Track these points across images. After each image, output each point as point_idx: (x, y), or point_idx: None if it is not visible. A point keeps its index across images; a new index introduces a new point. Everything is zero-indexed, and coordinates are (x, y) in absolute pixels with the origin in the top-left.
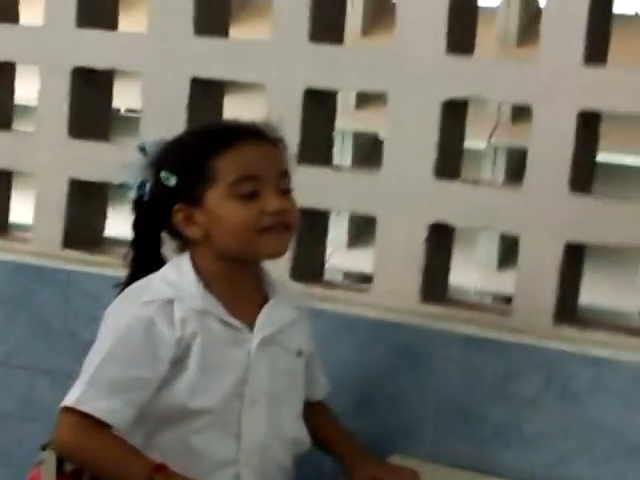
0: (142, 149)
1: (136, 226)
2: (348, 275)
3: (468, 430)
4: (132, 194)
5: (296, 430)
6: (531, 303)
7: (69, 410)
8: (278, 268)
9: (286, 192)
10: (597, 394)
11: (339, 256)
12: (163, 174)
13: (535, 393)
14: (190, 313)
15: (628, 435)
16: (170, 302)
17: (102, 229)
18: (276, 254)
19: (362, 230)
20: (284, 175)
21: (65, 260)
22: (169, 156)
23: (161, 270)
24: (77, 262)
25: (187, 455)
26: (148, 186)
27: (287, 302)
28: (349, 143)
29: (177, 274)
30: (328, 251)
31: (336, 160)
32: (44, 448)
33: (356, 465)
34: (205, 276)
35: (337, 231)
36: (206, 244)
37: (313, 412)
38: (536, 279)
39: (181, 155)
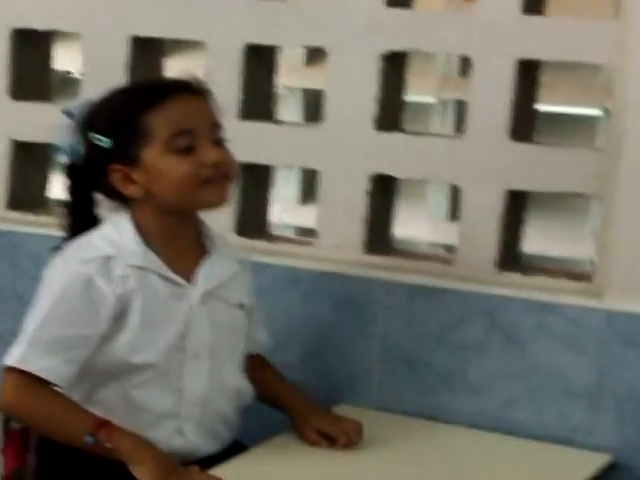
0: (68, 113)
1: (70, 189)
2: (300, 231)
3: (414, 378)
4: (63, 158)
5: (238, 382)
6: (474, 251)
7: (11, 369)
8: (222, 223)
9: (220, 143)
10: (540, 338)
11: (292, 213)
12: (95, 136)
13: (479, 339)
14: (130, 270)
15: (571, 378)
16: (109, 259)
17: (45, 190)
18: (217, 204)
19: (314, 186)
20: (217, 126)
21: (9, 222)
22: (100, 117)
23: (99, 228)
24: (21, 223)
25: (129, 409)
26: (80, 149)
27: (228, 255)
28: (299, 101)
29: (116, 232)
30: (280, 208)
31: (286, 118)
32: None
33: (302, 417)
34: (144, 232)
35: (289, 188)
36: (145, 201)
37: (254, 365)
38: (479, 227)
39: (112, 115)
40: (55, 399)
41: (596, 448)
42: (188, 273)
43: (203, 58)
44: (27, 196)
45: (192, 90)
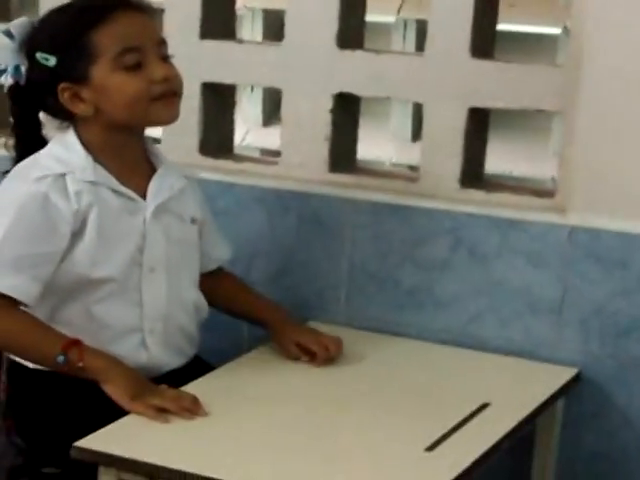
0: (8, 33)
1: (14, 111)
2: (265, 152)
3: (381, 295)
4: (5, 79)
5: (195, 297)
6: (437, 169)
7: None
8: (187, 144)
9: (167, 59)
10: (504, 255)
11: (255, 134)
12: (40, 55)
13: (444, 256)
14: (83, 186)
15: (534, 293)
16: (62, 176)
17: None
18: (168, 121)
19: (277, 107)
20: (162, 43)
21: None
22: (43, 36)
23: (46, 147)
24: None
25: (92, 325)
26: (23, 69)
27: (174, 171)
28: (259, 21)
29: (64, 149)
30: (244, 129)
31: (247, 38)
32: None
33: (281, 330)
34: (92, 149)
35: (252, 109)
36: (93, 118)
37: (219, 280)
38: (441, 145)
39: (56, 34)
40: (24, 319)
41: (561, 362)
42: (139, 189)
43: None
44: None
45: (136, 7)
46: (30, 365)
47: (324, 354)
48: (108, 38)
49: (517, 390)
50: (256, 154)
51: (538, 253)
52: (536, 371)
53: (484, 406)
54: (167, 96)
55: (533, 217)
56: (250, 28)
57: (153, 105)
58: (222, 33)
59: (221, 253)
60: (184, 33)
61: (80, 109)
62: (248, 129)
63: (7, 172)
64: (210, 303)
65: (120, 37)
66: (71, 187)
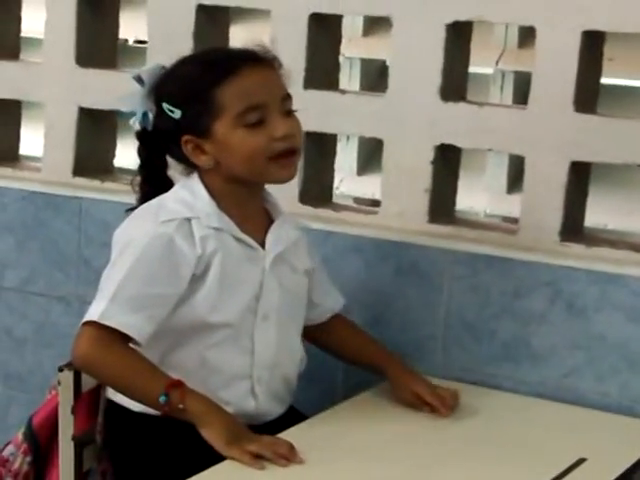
0: (139, 79)
1: (141, 153)
2: (358, 201)
3: (477, 347)
4: (135, 124)
5: (301, 347)
6: (538, 221)
7: (89, 325)
8: (287, 193)
9: (290, 113)
10: (603, 309)
11: (349, 183)
12: (167, 107)
13: (542, 309)
14: (209, 231)
15: (632, 348)
16: (188, 221)
17: (112, 157)
18: (286, 179)
19: (371, 157)
20: (286, 97)
21: (76, 188)
22: (170, 88)
23: (172, 191)
24: (88, 190)
25: (203, 370)
26: (150, 116)
27: (289, 222)
28: (357, 71)
29: (190, 194)
30: (338, 178)
31: (345, 88)
32: (61, 370)
33: (399, 379)
34: (216, 197)
35: (347, 158)
36: (215, 169)
37: (333, 324)
38: (542, 197)
39: (183, 87)
40: (130, 356)
41: None
42: (257, 238)
43: (268, 26)
44: (93, 162)
45: (262, 61)
46: (129, 406)
47: (440, 406)
48: (232, 96)
49: (614, 446)
50: (351, 203)
51: (637, 308)
52: (633, 427)
53: (581, 461)
54: (286, 155)
55: (633, 272)
56: (348, 77)
57: (271, 163)
58: (325, 83)
59: (333, 303)
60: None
61: (202, 161)
62: (342, 178)
63: (131, 209)
64: (322, 347)
65: (244, 95)
66: (197, 232)
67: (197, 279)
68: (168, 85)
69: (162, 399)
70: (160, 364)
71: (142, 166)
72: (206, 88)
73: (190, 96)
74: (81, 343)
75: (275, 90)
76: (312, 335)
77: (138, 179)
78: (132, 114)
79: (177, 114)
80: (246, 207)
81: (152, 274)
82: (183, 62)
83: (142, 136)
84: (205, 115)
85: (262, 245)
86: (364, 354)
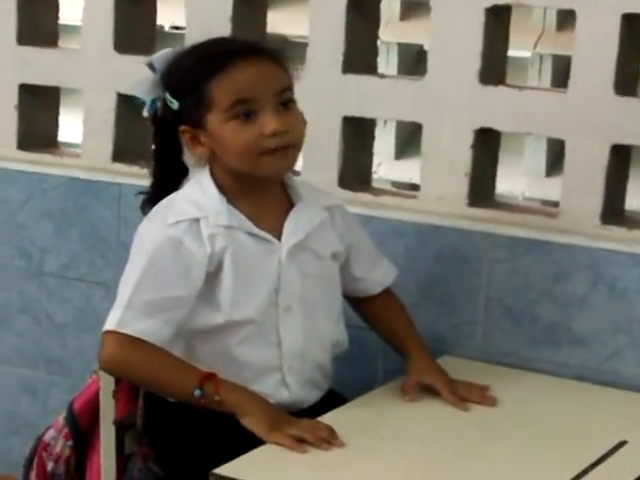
0: (150, 66)
1: (155, 139)
2: (396, 186)
3: (518, 330)
4: (145, 111)
5: (333, 333)
6: (578, 204)
7: (110, 333)
8: (326, 177)
9: (287, 106)
10: None
11: (387, 167)
12: (168, 97)
13: (583, 292)
14: (217, 230)
15: None
16: (196, 221)
17: (151, 142)
18: (278, 174)
19: (409, 141)
20: (283, 91)
21: (115, 173)
22: (170, 80)
23: (184, 188)
24: (127, 175)
25: (231, 366)
26: (159, 104)
27: (314, 204)
28: (394, 55)
29: (200, 192)
30: (376, 162)
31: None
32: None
33: (412, 369)
34: (226, 191)
35: (384, 142)
36: (219, 161)
37: (375, 305)
38: (583, 181)
39: (180, 79)
40: (157, 354)
41: None
42: (275, 227)
43: (306, 12)
44: (132, 148)
45: (259, 53)
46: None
47: (456, 404)
48: (223, 89)
49: None
50: (389, 187)
51: None
52: None
53: (621, 444)
54: (278, 150)
55: None
56: (385, 61)
57: (262, 158)
58: (363, 67)
59: (383, 276)
60: (327, 67)
61: (198, 152)
62: (380, 162)
63: (141, 193)
64: (364, 321)
65: (234, 89)
66: (205, 231)
67: (212, 278)
68: (170, 76)
69: (197, 393)
70: (186, 359)
71: (156, 151)
72: (200, 81)
73: (186, 88)
74: (106, 349)
75: (269, 84)
76: (357, 307)
77: (153, 164)
78: (142, 101)
79: (175, 105)
80: (259, 199)
81: (164, 278)
82: (185, 53)
83: (154, 122)
84: (199, 107)
85: (280, 234)
86: (391, 336)
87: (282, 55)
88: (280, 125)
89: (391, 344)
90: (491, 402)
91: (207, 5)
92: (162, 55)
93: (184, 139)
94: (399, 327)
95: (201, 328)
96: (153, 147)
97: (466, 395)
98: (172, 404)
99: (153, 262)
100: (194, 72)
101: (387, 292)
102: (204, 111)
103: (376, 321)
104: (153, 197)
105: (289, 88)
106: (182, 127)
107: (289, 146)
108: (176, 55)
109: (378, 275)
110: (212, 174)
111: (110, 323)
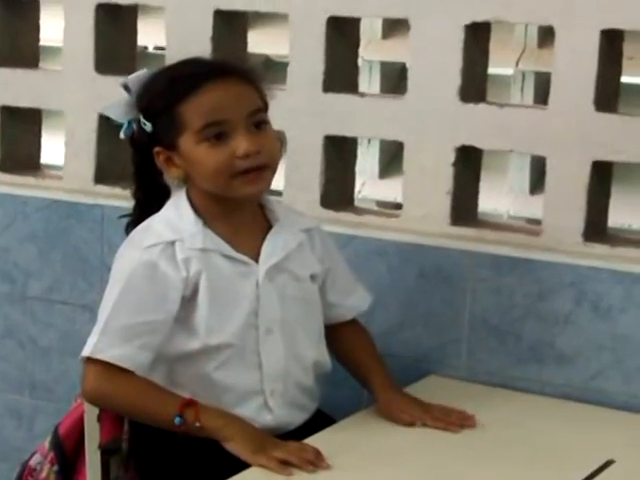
0: (126, 87)
1: (133, 159)
2: (381, 205)
3: (503, 349)
4: (122, 133)
5: (314, 354)
6: (561, 222)
7: (89, 360)
8: (308, 197)
9: (260, 127)
10: (628, 309)
11: (371, 186)
12: (142, 119)
13: (567, 310)
14: (192, 253)
15: None
16: (172, 244)
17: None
18: (251, 195)
19: (393, 160)
20: (255, 112)
21: (97, 195)
22: (143, 102)
23: (161, 211)
24: (109, 197)
25: (212, 390)
26: (135, 126)
27: (292, 227)
28: (377, 73)
29: (176, 214)
30: (360, 182)
31: (364, 91)
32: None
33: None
34: (203, 212)
35: (368, 162)
36: (194, 183)
37: (343, 333)
38: (565, 198)
39: (152, 101)
40: (137, 384)
41: None
42: (252, 249)
43: (286, 30)
44: (114, 169)
45: (229, 75)
46: None
47: (445, 427)
48: (193, 112)
49: None
50: (373, 206)
51: None
52: None
53: (608, 463)
54: (250, 171)
55: None
56: (367, 80)
57: (235, 180)
58: (344, 86)
59: (357, 302)
60: (308, 86)
61: (173, 173)
62: (364, 181)
63: (124, 216)
64: (335, 354)
65: (205, 111)
66: (180, 254)
67: (188, 302)
68: (143, 98)
69: (177, 420)
70: (166, 386)
71: (135, 173)
72: (171, 104)
73: (158, 111)
74: (87, 380)
75: (240, 105)
76: (326, 334)
77: (134, 186)
78: (118, 123)
79: (149, 127)
80: (235, 221)
81: (139, 302)
82: (158, 74)
83: (131, 143)
84: (172, 129)
85: (258, 256)
86: (354, 368)
87: (255, 75)
88: (252, 146)
89: (356, 375)
90: (471, 423)
91: (187, 25)
92: (136, 76)
93: (159, 161)
94: (365, 359)
95: (179, 353)
96: (133, 169)
97: (445, 418)
98: (157, 429)
99: (128, 286)
100: (165, 94)
101: (356, 322)
102: (176, 133)
103: (343, 351)
104: (136, 219)
105: (262, 109)
106: (156, 149)
107: (262, 167)
108: (149, 77)
109: (353, 302)
110: (188, 196)
111: (87, 349)
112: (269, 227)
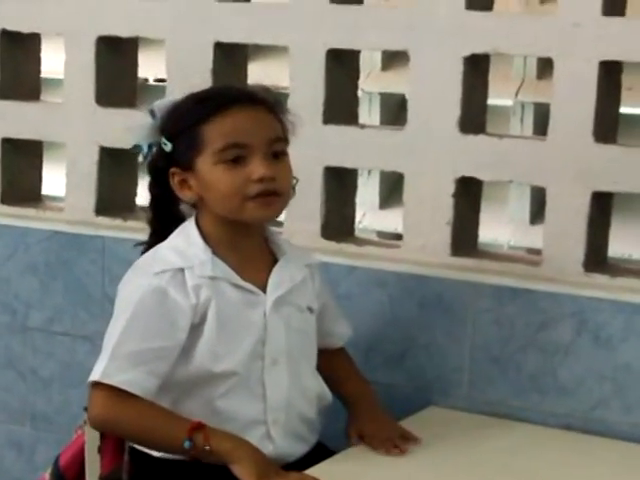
0: (151, 112)
1: (150, 187)
2: (381, 235)
3: (504, 379)
4: (141, 156)
5: (316, 385)
6: (561, 252)
7: (97, 385)
8: (309, 228)
9: (278, 157)
10: (628, 339)
11: (372, 217)
12: (163, 140)
13: (568, 340)
14: (202, 280)
15: None
16: (181, 271)
17: (134, 195)
18: (262, 220)
19: (393, 191)
20: (275, 141)
21: (99, 227)
22: (167, 123)
23: (169, 238)
24: (111, 228)
25: (215, 419)
26: (154, 149)
27: (295, 261)
28: (376, 105)
29: (185, 242)
30: (361, 212)
31: (364, 122)
32: (87, 409)
33: (352, 418)
34: (212, 241)
35: (369, 193)
36: (205, 207)
37: (330, 359)
38: (565, 228)
39: (175, 122)
40: (145, 408)
41: None
42: (259, 280)
43: (286, 63)
44: (115, 201)
45: (255, 102)
46: (149, 452)
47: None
48: (216, 131)
49: None
50: (373, 237)
51: None
52: None
53: None
54: (263, 196)
55: None
56: (367, 111)
57: (247, 203)
58: (344, 118)
59: (343, 330)
60: (308, 118)
61: (187, 195)
62: (365, 212)
63: (140, 244)
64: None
65: (227, 133)
66: (190, 281)
67: (196, 329)
68: (167, 120)
69: (187, 444)
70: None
71: (152, 202)
72: (194, 123)
73: (181, 130)
74: (94, 406)
75: (262, 132)
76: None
77: (150, 214)
78: (139, 147)
79: (169, 147)
80: (243, 250)
81: (148, 328)
82: (185, 98)
83: (150, 169)
84: (191, 149)
85: (264, 287)
86: (339, 391)
87: (281, 108)
88: (268, 172)
89: (340, 398)
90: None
91: (188, 57)
92: (162, 102)
93: (173, 182)
94: (353, 382)
95: (185, 381)
96: (150, 197)
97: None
98: (157, 459)
99: (137, 312)
100: (190, 114)
101: (342, 352)
102: (195, 153)
103: (330, 374)
104: (150, 247)
105: (282, 139)
106: (172, 169)
107: (275, 193)
108: (176, 101)
109: (341, 330)
110: (198, 224)
111: (95, 374)
112: (274, 259)
